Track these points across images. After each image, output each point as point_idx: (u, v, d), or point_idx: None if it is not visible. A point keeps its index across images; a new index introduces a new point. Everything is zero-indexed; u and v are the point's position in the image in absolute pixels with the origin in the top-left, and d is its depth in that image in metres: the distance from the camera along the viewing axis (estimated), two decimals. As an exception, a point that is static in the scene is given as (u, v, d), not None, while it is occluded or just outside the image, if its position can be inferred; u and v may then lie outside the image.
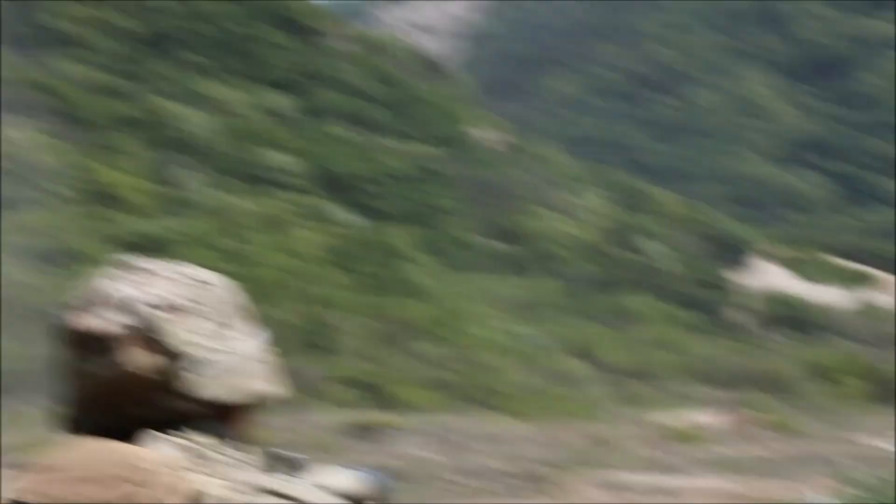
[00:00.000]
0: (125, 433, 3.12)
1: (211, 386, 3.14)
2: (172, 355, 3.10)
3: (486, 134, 72.22)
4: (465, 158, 68.83)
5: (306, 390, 46.03)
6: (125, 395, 3.11)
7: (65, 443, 3.12)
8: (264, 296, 52.97)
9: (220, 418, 3.21)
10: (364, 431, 40.70)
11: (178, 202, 60.01)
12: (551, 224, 65.61)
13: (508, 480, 31.83)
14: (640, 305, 60.06)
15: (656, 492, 28.45)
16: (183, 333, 3.12)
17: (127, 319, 3.09)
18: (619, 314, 58.05)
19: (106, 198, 58.29)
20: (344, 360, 50.10)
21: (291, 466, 3.44)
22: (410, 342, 51.83)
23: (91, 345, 3.15)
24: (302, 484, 3.39)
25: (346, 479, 3.51)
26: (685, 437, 39.09)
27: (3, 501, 2.94)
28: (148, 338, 3.08)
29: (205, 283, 3.25)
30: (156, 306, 3.10)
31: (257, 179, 63.42)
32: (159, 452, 3.03)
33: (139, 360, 3.08)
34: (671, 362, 53.45)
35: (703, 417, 43.17)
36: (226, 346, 3.19)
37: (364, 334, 52.53)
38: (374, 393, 46.96)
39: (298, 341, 50.53)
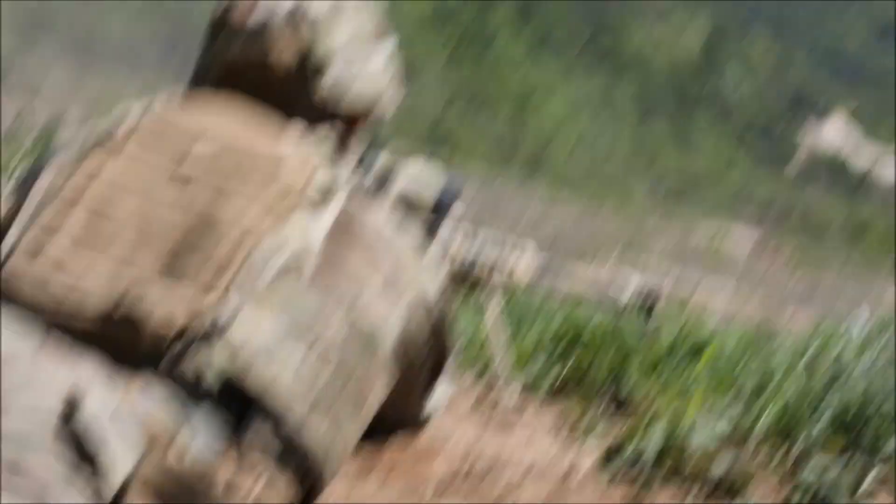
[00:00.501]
0: None
1: (340, 89, 3.29)
2: (311, 54, 3.26)
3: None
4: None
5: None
6: (260, 85, 3.21)
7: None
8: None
9: (342, 119, 3.41)
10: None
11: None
12: (649, 33, 65.73)
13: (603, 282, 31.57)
14: (707, 129, 60.83)
15: (675, 280, 28.67)
16: (325, 36, 3.27)
17: (277, 14, 3.23)
18: (684, 132, 59.10)
19: None
20: (423, 111, 51.61)
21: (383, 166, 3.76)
22: (486, 108, 53.46)
23: (239, 32, 3.26)
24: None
25: (419, 177, 3.88)
26: (711, 250, 40.48)
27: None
28: (294, 32, 3.22)
29: None
30: (304, 8, 3.30)
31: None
32: (298, 140, 3.14)
33: (281, 50, 3.22)
34: (720, 184, 54.95)
35: (736, 235, 44.40)
36: (361, 55, 3.37)
37: (445, 94, 54.00)
38: (444, 143, 48.57)
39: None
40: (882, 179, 64.69)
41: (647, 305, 5.32)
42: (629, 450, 5.01)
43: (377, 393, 2.94)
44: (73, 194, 2.79)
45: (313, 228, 2.91)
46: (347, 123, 3.43)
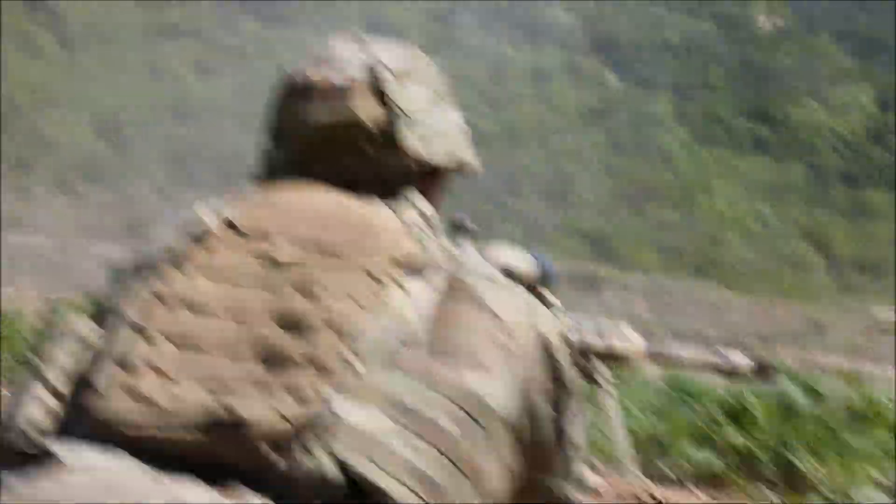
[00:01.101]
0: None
1: (425, 145, 3.19)
2: (395, 110, 3.16)
3: (760, 14, 71.64)
4: (735, 37, 68.57)
5: (537, 236, 47.59)
6: (346, 145, 3.16)
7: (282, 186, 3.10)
8: (514, 141, 54.59)
9: (424, 181, 3.24)
10: (585, 282, 41.68)
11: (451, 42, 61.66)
12: (810, 113, 64.97)
13: (712, 347, 31.74)
14: (883, 203, 59.39)
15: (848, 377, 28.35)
16: (405, 93, 3.19)
17: (357, 73, 3.12)
18: (861, 209, 57.51)
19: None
20: (581, 213, 51.34)
21: (467, 234, 3.54)
22: (648, 206, 52.73)
23: (320, 93, 3.16)
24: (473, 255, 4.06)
25: (512, 254, 3.63)
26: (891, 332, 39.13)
27: (217, 219, 2.94)
28: (376, 90, 3.16)
29: (421, 56, 3.26)
30: (383, 66, 3.17)
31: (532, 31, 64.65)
32: (397, 211, 3.05)
33: (366, 108, 3.13)
34: None
35: None
36: (438, 112, 3.24)
37: (605, 192, 53.68)
38: (603, 248, 48.15)
39: (539, 190, 52.02)
40: None
41: (762, 374, 4.72)
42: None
43: (494, 474, 2.66)
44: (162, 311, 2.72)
45: (419, 298, 2.77)
46: (427, 181, 3.19)
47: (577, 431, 3.13)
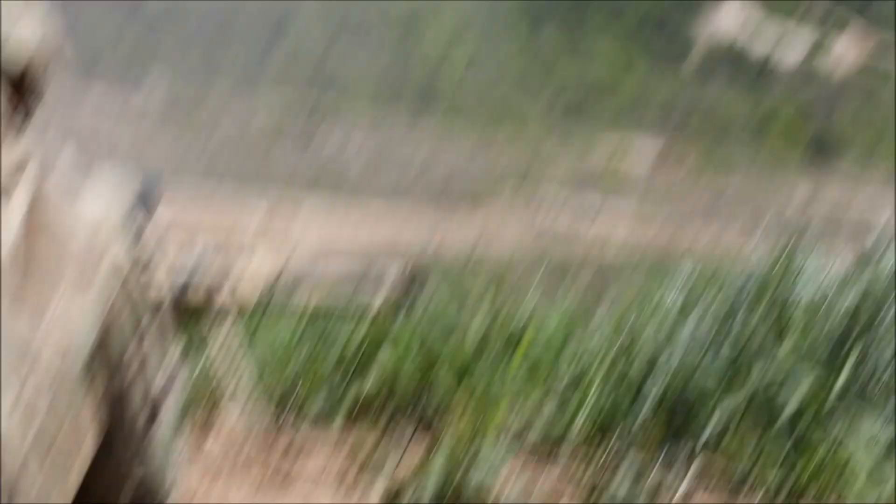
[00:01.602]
0: None
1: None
2: None
3: None
4: None
5: (261, 67, 47.02)
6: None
7: None
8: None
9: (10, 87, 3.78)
10: (306, 111, 41.22)
11: None
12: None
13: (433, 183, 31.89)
14: (600, 33, 60.51)
15: (574, 210, 28.37)
16: None
17: None
18: (578, 39, 58.52)
19: None
20: (303, 43, 50.68)
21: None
22: (371, 33, 52.60)
23: None
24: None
25: (119, 181, 4.34)
26: (616, 159, 40.07)
27: None
28: None
29: None
30: None
31: None
32: None
33: None
34: (619, 89, 54.50)
35: (638, 143, 44.04)
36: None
37: (328, 22, 53.04)
38: (324, 77, 47.92)
39: (256, 22, 51.17)
40: (785, 62, 64.43)
41: (412, 293, 4.78)
42: (409, 494, 4.43)
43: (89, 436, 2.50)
44: None
45: (7, 220, 2.37)
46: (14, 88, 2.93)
47: (169, 404, 3.28)
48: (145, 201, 3.34)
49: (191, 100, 41.78)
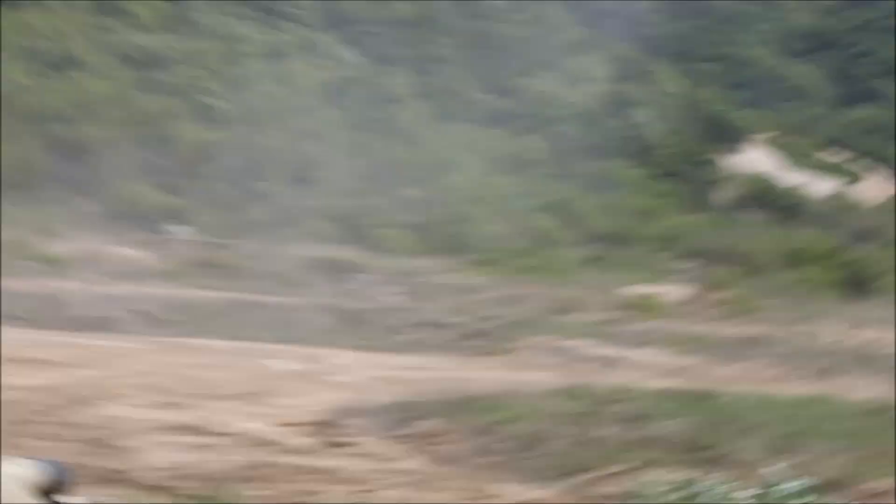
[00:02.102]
0: None
1: None
2: None
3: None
4: (467, 9, 68.53)
5: (285, 222, 46.65)
6: None
7: None
8: (255, 122, 53.48)
9: None
10: (334, 268, 41.07)
11: (184, 21, 59.90)
12: (546, 84, 65.39)
13: (461, 333, 31.48)
14: (626, 174, 60.22)
15: (599, 360, 28.05)
16: None
17: None
18: (604, 180, 58.08)
19: (111, 8, 58.16)
20: (327, 195, 50.53)
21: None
22: (393, 185, 52.18)
23: None
24: None
25: (27, 469, 3.67)
26: (645, 307, 39.24)
27: None
28: None
29: None
30: None
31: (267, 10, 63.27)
32: None
33: None
34: (647, 232, 53.74)
35: (668, 289, 43.38)
36: None
37: (349, 172, 52.91)
38: (351, 230, 47.46)
39: (282, 173, 51.08)
40: (815, 196, 64.17)
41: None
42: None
43: None
44: None
45: None
46: None
47: None
48: (60, 485, 3.51)
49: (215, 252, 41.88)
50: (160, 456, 12.42)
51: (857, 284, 48.24)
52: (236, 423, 14.87)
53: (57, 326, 23.90)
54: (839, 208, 62.69)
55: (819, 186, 64.97)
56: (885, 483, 12.77)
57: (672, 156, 62.66)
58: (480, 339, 29.97)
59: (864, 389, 20.49)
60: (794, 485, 8.94)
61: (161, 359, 20.62)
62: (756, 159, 66.22)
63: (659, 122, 63.90)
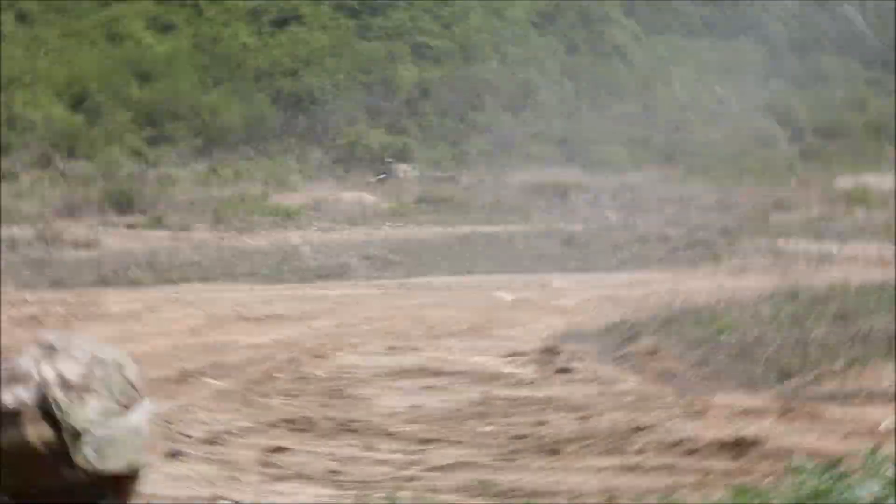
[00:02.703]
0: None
1: (99, 458, 3.37)
2: (66, 430, 3.33)
3: None
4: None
5: (505, 149, 48.20)
6: (29, 465, 3.35)
7: None
8: (471, 56, 54.93)
9: (107, 487, 3.48)
10: (555, 191, 41.72)
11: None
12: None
13: (679, 244, 30.38)
14: (833, 66, 59.83)
15: (817, 257, 27.63)
16: (80, 409, 3.34)
17: (29, 396, 3.35)
18: (813, 75, 57.96)
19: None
20: (544, 118, 51.67)
21: None
22: (609, 102, 53.12)
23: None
24: None
25: None
26: (860, 198, 38.97)
27: None
28: (45, 413, 3.33)
29: (101, 360, 3.49)
30: (55, 384, 3.35)
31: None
32: None
33: (36, 433, 3.30)
34: (860, 122, 53.63)
35: (884, 178, 42.77)
36: (113, 421, 3.41)
37: (565, 95, 54.01)
38: (570, 150, 48.56)
39: (499, 102, 52.44)
40: None
41: None
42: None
43: None
44: None
45: None
46: (110, 487, 3.41)
47: None
48: None
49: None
50: (393, 401, 12.59)
51: None
52: (466, 359, 14.90)
53: (293, 280, 23.97)
54: None
55: None
56: None
57: (879, 45, 61.82)
58: (699, 247, 29.41)
59: None
60: None
61: (391, 302, 20.71)
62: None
63: (866, 13, 63.03)
